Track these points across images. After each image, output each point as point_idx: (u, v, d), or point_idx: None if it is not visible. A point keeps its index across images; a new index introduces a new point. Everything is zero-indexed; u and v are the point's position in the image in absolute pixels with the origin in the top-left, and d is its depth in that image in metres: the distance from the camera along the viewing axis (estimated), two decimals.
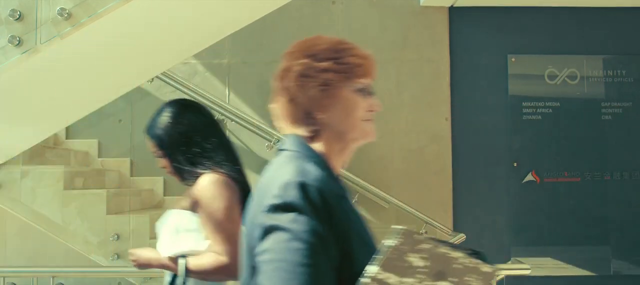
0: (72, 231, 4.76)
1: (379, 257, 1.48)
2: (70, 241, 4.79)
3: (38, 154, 5.09)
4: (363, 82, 1.90)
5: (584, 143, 6.53)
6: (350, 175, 5.72)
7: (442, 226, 5.58)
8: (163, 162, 2.67)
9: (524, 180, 6.48)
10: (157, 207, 6.12)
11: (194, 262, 2.48)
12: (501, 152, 6.51)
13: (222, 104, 5.95)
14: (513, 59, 6.55)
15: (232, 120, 6.22)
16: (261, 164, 6.01)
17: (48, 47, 3.24)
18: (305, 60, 1.86)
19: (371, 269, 1.47)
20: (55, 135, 5.98)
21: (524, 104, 6.56)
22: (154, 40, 3.94)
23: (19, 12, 3.23)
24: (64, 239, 4.80)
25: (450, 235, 5.53)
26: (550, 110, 6.55)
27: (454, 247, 1.53)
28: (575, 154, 6.52)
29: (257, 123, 5.81)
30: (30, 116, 4.22)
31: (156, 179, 6.28)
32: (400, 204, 5.65)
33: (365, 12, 6.54)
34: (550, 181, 6.49)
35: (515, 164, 6.49)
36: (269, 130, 5.69)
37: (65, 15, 3.18)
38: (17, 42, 3.22)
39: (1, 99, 3.69)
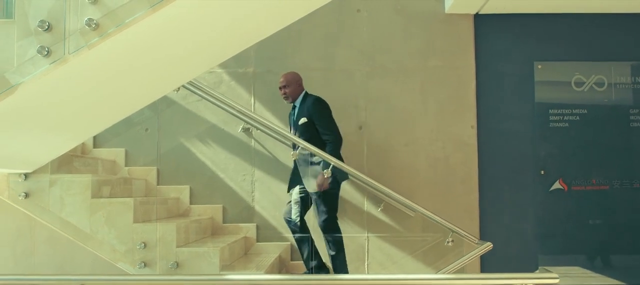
0: (100, 239, 4.79)
1: None
2: (98, 249, 4.82)
3: (66, 163, 5.13)
4: None
5: (612, 150, 6.46)
6: (376, 183, 5.70)
7: (468, 234, 5.53)
8: None
9: (552, 188, 6.42)
10: (183, 216, 6.15)
11: None
12: (528, 160, 6.46)
13: (248, 112, 5.97)
14: (539, 66, 6.51)
15: (258, 128, 6.25)
16: (287, 172, 6.02)
17: (76, 57, 3.27)
18: None
19: None
20: (83, 144, 6.04)
21: (550, 111, 6.51)
22: (181, 49, 3.96)
23: (47, 23, 3.26)
24: (91, 247, 4.83)
25: (477, 243, 5.48)
26: (578, 118, 6.49)
27: None
28: (604, 161, 6.45)
29: (283, 131, 5.81)
30: (58, 125, 4.26)
31: (182, 187, 6.31)
32: (426, 212, 5.61)
33: (390, 20, 6.53)
34: (578, 189, 6.43)
35: (542, 172, 6.43)
36: (294, 138, 5.68)
37: (93, 26, 3.21)
38: (46, 53, 3.25)
39: (30, 109, 3.73)
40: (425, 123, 6.44)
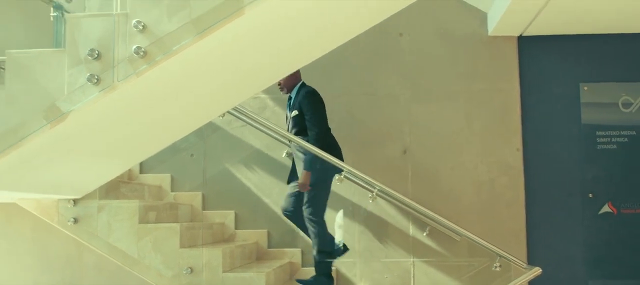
0: (147, 264, 4.84)
1: None
2: (145, 274, 4.86)
3: (114, 189, 5.20)
4: None
5: None
6: (420, 207, 5.67)
7: (516, 259, 5.45)
8: None
9: (601, 212, 6.30)
10: (228, 241, 6.17)
11: None
12: (575, 183, 6.36)
13: (292, 137, 5.98)
14: (585, 87, 6.42)
15: None
16: (333, 197, 6.02)
17: (125, 84, 3.32)
18: None
19: None
20: (130, 170, 6.12)
21: (598, 133, 6.41)
22: (227, 76, 4.01)
23: (97, 52, 3.32)
24: (138, 272, 4.88)
25: (525, 268, 5.39)
26: (626, 139, 6.38)
27: None
28: None
29: (326, 156, 5.78)
30: (107, 152, 4.33)
31: (227, 212, 6.34)
32: (473, 236, 5.54)
33: (433, 44, 6.52)
34: (628, 212, 6.30)
35: (590, 195, 6.32)
36: (338, 163, 5.67)
37: (141, 54, 3.26)
38: (96, 80, 3.31)
39: (80, 136, 3.80)
40: (470, 146, 6.39)
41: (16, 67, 3.47)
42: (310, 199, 5.58)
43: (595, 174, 6.36)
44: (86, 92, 3.34)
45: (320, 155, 5.43)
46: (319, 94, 5.73)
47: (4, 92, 3.48)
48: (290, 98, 5.81)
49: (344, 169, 5.61)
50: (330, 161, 5.46)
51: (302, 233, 5.92)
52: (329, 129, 5.74)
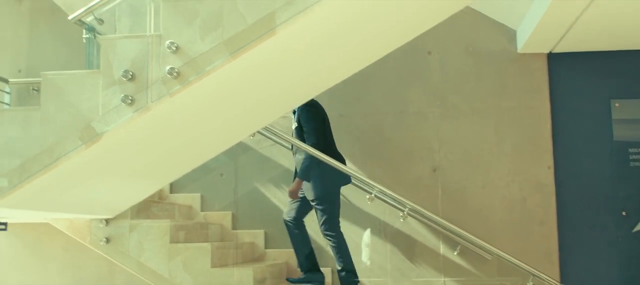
0: (178, 284, 4.85)
1: None
2: None
3: (145, 209, 5.24)
4: None
5: None
6: (451, 225, 5.63)
7: (549, 278, 5.39)
8: None
9: (635, 230, 6.21)
10: (258, 260, 6.17)
11: None
12: (608, 200, 6.28)
13: (321, 156, 5.98)
14: (617, 104, 6.36)
15: None
16: (363, 216, 6.01)
17: (158, 105, 3.36)
18: None
19: None
20: (160, 189, 6.16)
21: (630, 150, 6.33)
22: (258, 96, 4.03)
23: (131, 73, 3.37)
24: None
25: None
26: None
27: None
28: None
29: (357, 175, 5.79)
30: (140, 172, 4.36)
31: (257, 232, 6.34)
32: (504, 255, 5.50)
33: (461, 61, 6.49)
34: None
35: (624, 213, 6.23)
36: (369, 181, 5.66)
37: (174, 74, 3.30)
38: (130, 101, 3.36)
39: (114, 156, 3.83)
40: (500, 164, 6.34)
41: (51, 88, 3.53)
42: (322, 216, 5.54)
43: (629, 192, 6.27)
44: (120, 113, 3.39)
45: (325, 160, 5.42)
46: (318, 106, 5.73)
47: (40, 113, 3.53)
48: (294, 112, 5.79)
49: (352, 176, 5.65)
50: (326, 162, 5.48)
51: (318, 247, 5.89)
52: (332, 142, 5.74)
